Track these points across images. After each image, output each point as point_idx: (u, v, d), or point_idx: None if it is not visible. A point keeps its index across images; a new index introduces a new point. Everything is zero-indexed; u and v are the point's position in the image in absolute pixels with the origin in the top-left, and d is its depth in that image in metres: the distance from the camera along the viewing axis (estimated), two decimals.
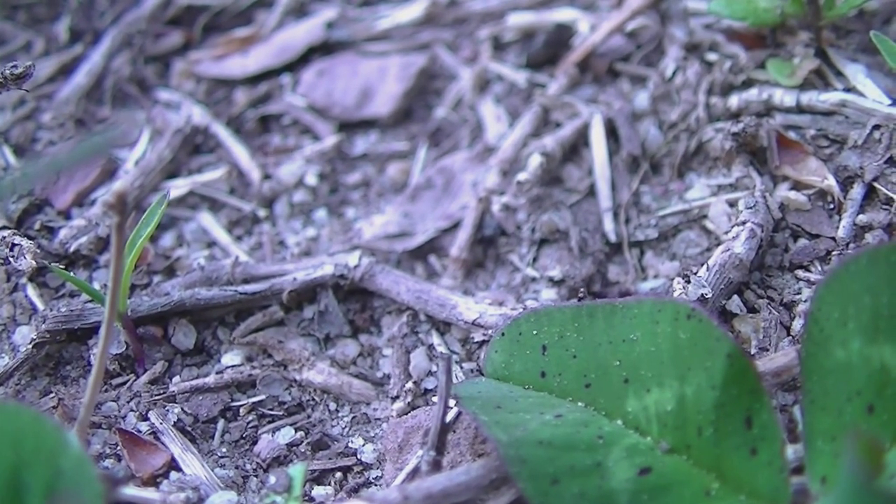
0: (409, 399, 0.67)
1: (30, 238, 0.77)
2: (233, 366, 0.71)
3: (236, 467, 0.65)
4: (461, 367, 0.69)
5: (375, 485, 0.64)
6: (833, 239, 0.69)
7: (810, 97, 0.76)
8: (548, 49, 0.92)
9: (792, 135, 0.75)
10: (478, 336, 0.69)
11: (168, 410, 0.67)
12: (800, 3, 0.77)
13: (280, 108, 0.93)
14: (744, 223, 0.69)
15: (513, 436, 0.53)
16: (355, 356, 0.72)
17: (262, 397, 0.69)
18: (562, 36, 0.93)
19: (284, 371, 0.70)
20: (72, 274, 0.70)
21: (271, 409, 0.69)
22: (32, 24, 1.04)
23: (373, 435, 0.67)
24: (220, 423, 0.68)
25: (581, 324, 0.58)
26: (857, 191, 0.70)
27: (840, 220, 0.69)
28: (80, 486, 0.50)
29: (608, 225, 0.77)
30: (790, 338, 0.64)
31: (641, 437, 0.54)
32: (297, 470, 0.59)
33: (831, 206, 0.71)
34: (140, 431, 0.66)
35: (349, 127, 0.92)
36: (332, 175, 0.87)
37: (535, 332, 0.60)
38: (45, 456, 0.50)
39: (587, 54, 0.90)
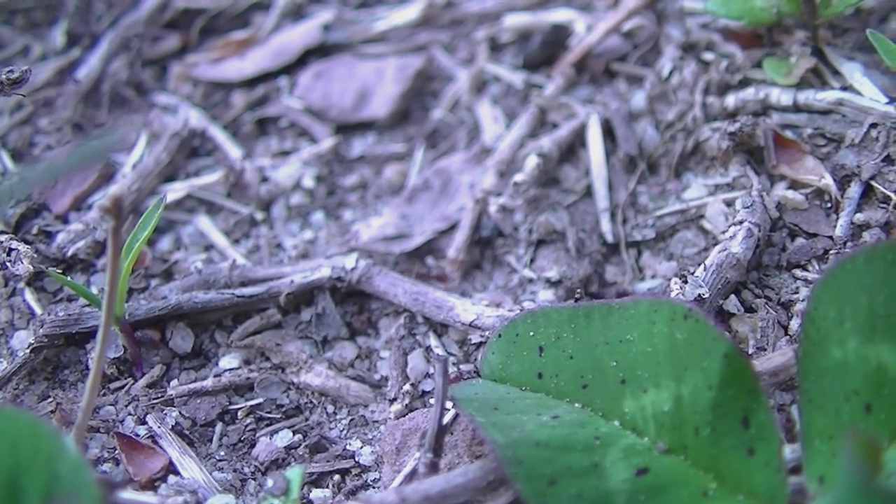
0: (406, 401, 0.67)
1: (27, 243, 0.77)
2: (230, 369, 0.71)
3: (234, 470, 0.65)
4: (458, 369, 0.69)
5: (373, 487, 0.64)
6: (830, 238, 0.69)
7: (807, 96, 0.76)
8: (544, 50, 0.92)
9: (789, 134, 0.75)
10: (475, 338, 0.69)
11: (166, 414, 0.67)
12: (796, 2, 0.77)
13: (277, 110, 0.94)
14: (741, 223, 0.69)
15: (510, 437, 0.53)
16: (353, 358, 0.72)
17: (260, 400, 0.69)
18: (558, 37, 0.93)
19: (282, 374, 0.70)
20: (69, 278, 0.70)
21: (269, 412, 0.69)
22: (29, 29, 1.04)
23: (370, 437, 0.67)
24: (218, 427, 0.68)
25: (578, 324, 0.58)
26: (854, 189, 0.70)
27: (837, 218, 0.69)
28: (77, 491, 0.50)
29: (605, 225, 0.77)
30: (787, 337, 0.64)
31: (638, 438, 0.54)
32: (294, 473, 0.59)
33: (828, 205, 0.71)
34: (138, 435, 0.66)
35: (346, 129, 0.92)
36: (330, 177, 0.87)
37: (531, 334, 0.59)
38: (43, 460, 0.50)
39: (584, 55, 0.90)
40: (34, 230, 0.80)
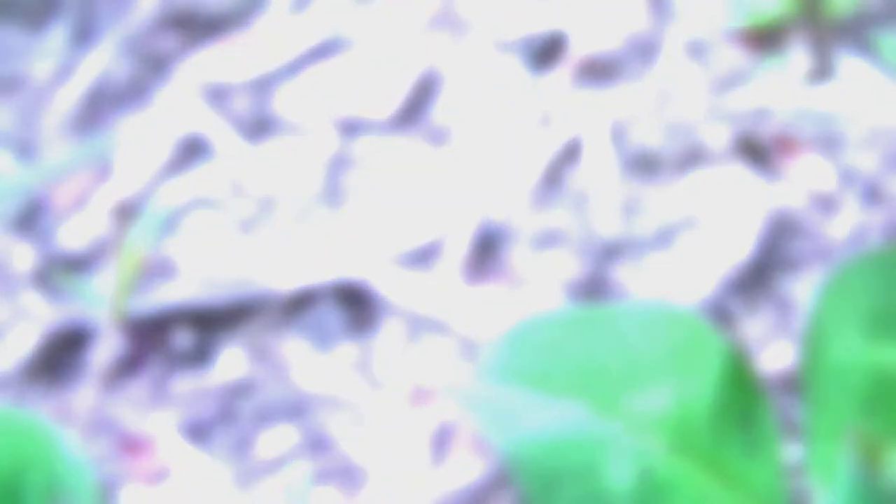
0: (408, 402, 0.67)
1: (29, 241, 0.77)
2: (232, 368, 0.71)
3: (235, 470, 0.65)
4: (460, 370, 0.69)
5: (374, 488, 0.64)
6: (833, 239, 0.69)
7: (809, 96, 0.76)
8: (546, 50, 0.92)
9: (791, 134, 0.75)
10: (476, 337, 0.69)
11: (167, 413, 0.67)
12: (799, 2, 0.77)
13: (278, 109, 0.94)
14: (743, 223, 0.69)
15: (511, 437, 0.53)
16: (354, 358, 0.72)
17: (262, 399, 0.69)
18: (561, 37, 0.93)
19: (283, 373, 0.70)
20: (70, 277, 0.70)
21: (271, 412, 0.69)
22: (29, 27, 1.04)
23: (372, 437, 0.67)
24: (220, 426, 0.68)
25: (579, 325, 0.58)
26: (856, 190, 0.70)
27: (840, 219, 0.69)
28: (78, 491, 0.50)
29: (608, 226, 0.77)
30: (789, 338, 0.64)
31: (640, 439, 0.54)
32: (296, 472, 0.59)
33: (831, 205, 0.71)
34: (139, 434, 0.66)
35: (349, 128, 0.92)
36: (331, 176, 0.87)
37: (533, 334, 0.59)
38: (44, 460, 0.50)
39: (587, 55, 0.90)
40: (35, 229, 0.80)
